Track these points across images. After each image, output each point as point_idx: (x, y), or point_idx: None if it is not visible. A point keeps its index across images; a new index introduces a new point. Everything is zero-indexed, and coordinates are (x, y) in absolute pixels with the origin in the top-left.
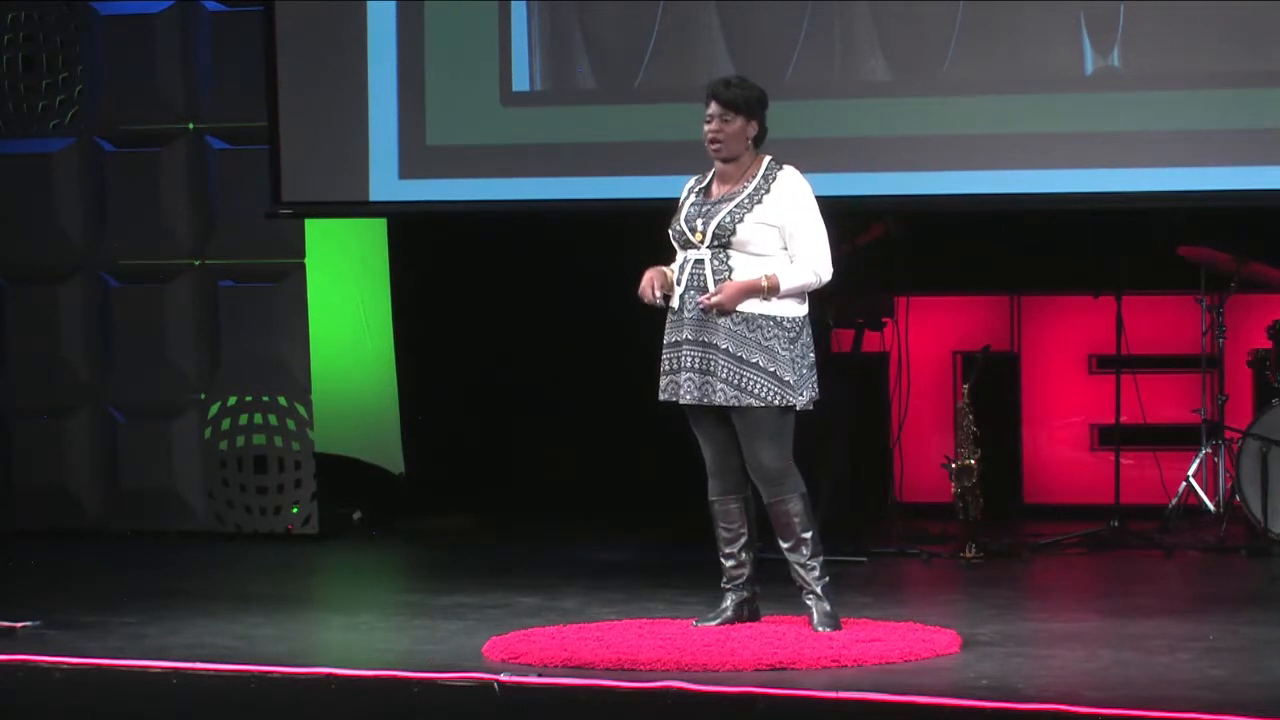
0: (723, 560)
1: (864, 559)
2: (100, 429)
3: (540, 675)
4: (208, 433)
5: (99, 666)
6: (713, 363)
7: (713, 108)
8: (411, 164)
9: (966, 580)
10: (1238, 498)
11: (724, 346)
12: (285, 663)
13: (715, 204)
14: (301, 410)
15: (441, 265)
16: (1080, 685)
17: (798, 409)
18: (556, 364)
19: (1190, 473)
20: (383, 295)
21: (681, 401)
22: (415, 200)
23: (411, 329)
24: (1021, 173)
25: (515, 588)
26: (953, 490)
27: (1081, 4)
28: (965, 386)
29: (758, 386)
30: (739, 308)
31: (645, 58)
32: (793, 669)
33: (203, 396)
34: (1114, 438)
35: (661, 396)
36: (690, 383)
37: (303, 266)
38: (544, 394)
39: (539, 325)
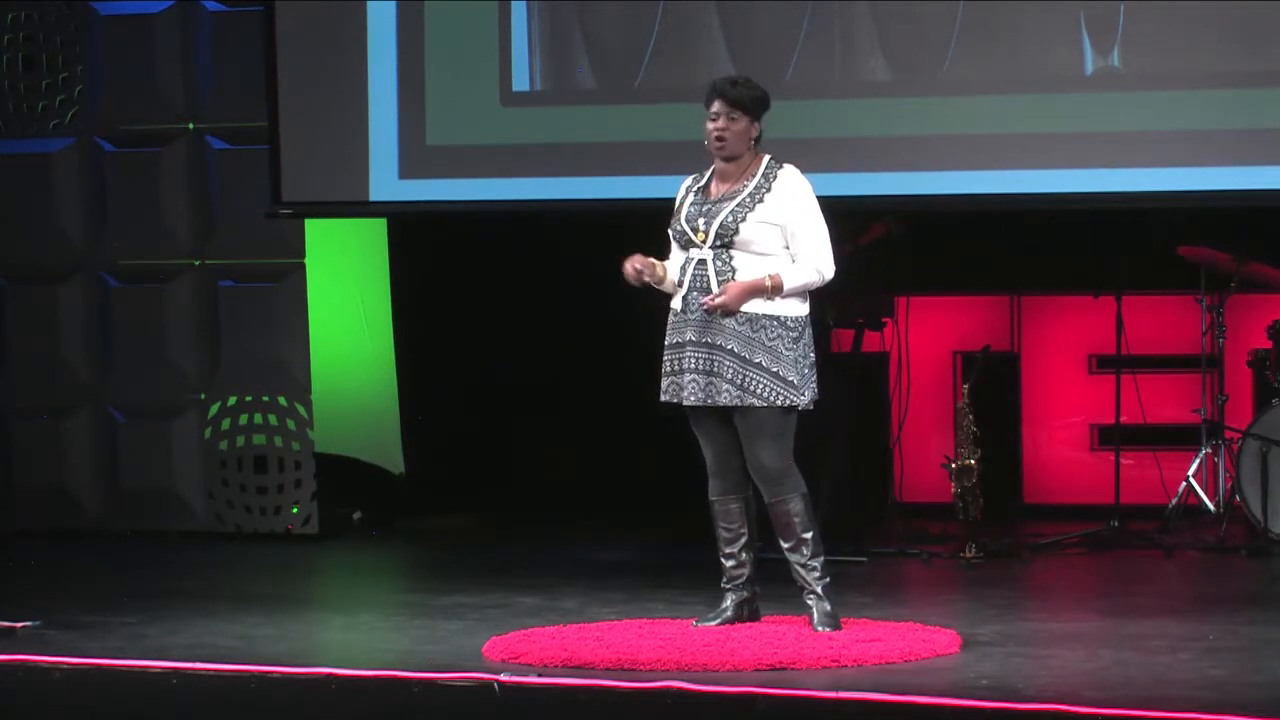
0: (723, 560)
1: (864, 559)
2: (100, 429)
3: (540, 675)
4: (208, 433)
5: (99, 666)
6: (718, 364)
7: (718, 106)
8: (411, 164)
9: (966, 580)
10: (1238, 498)
11: (730, 347)
12: (285, 663)
13: (716, 203)
14: (301, 410)
15: (441, 265)
16: (1080, 685)
17: (799, 409)
18: (556, 364)
19: (1190, 473)
20: (383, 295)
21: (685, 403)
22: (415, 200)
23: (411, 329)
24: (1021, 173)
25: (515, 588)
26: (953, 490)
27: (1081, 4)
28: (965, 386)
29: (761, 386)
30: (743, 308)
31: (645, 58)
32: (793, 669)
33: (203, 396)
34: (1114, 438)
35: (663, 398)
36: (694, 384)
37: (303, 266)
38: (544, 394)
39: (539, 325)
